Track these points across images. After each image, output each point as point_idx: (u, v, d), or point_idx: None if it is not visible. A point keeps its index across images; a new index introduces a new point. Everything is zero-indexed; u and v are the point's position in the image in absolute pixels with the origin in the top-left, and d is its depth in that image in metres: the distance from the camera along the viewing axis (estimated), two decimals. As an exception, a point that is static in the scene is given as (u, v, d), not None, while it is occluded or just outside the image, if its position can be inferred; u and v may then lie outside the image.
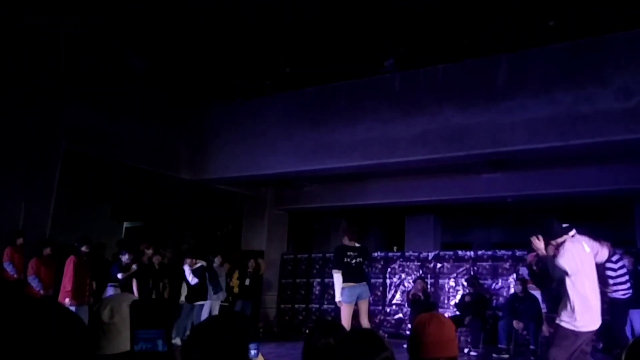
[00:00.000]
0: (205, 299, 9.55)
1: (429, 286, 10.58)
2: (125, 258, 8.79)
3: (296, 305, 12.32)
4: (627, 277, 7.75)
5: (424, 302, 9.89)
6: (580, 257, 4.47)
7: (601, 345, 9.28)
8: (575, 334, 4.35)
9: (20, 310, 1.41)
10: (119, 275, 8.64)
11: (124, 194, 11.34)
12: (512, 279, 9.80)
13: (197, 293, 9.48)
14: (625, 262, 7.96)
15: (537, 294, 9.05)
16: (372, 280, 11.75)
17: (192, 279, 9.23)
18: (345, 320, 6.74)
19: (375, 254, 11.50)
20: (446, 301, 10.76)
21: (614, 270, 7.62)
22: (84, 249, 9.06)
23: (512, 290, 9.32)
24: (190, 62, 9.47)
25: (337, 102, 9.39)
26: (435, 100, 8.50)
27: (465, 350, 8.78)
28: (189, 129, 10.44)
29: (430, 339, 2.10)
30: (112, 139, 9.06)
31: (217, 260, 10.44)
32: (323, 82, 9.56)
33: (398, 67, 9.03)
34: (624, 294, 7.64)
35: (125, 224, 13.04)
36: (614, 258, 7.44)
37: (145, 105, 9.65)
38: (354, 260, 7.17)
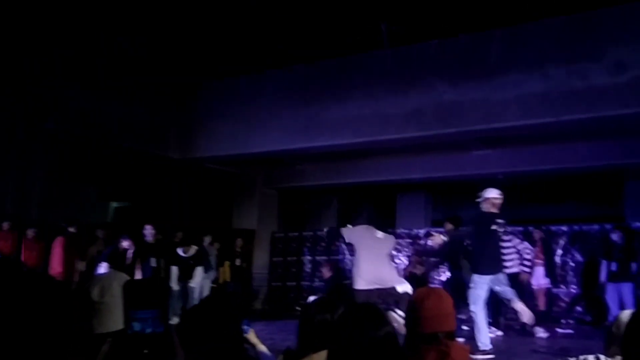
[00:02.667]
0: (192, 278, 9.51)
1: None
2: (125, 244, 8.62)
3: (287, 283, 12.34)
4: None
5: (421, 278, 9.97)
6: None
7: (589, 317, 9.44)
8: None
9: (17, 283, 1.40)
10: (103, 268, 8.45)
11: (112, 174, 11.16)
12: (517, 255, 9.83)
13: (189, 273, 9.45)
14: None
15: (541, 269, 9.14)
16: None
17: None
18: None
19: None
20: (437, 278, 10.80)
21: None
22: (71, 229, 8.96)
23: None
24: (180, 40, 9.25)
25: (328, 79, 9.25)
26: (427, 77, 8.40)
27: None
28: (178, 107, 10.26)
29: (429, 313, 2.07)
30: (99, 119, 8.88)
31: (207, 240, 10.40)
32: (314, 59, 9.39)
33: (391, 44, 8.85)
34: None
35: (114, 204, 12.88)
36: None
37: (134, 84, 9.44)
38: None
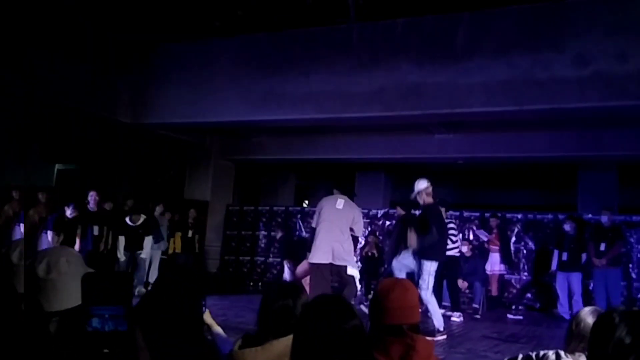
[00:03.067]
0: (142, 248, 9.20)
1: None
2: (69, 212, 8.21)
3: (240, 258, 12.16)
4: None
5: (377, 259, 9.96)
6: None
7: (538, 304, 9.68)
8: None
9: None
10: (49, 236, 8.05)
11: (56, 134, 10.58)
12: (458, 239, 9.92)
13: (138, 243, 9.13)
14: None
15: (496, 255, 9.24)
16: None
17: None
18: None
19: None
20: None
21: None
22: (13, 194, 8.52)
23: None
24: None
25: (290, 51, 8.92)
26: (393, 56, 8.21)
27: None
28: (130, 69, 9.71)
29: (394, 304, 2.05)
30: (43, 76, 8.29)
31: (158, 209, 10.10)
32: (277, 28, 9.03)
33: (358, 19, 8.59)
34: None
35: (58, 166, 12.26)
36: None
37: (82, 42, 8.85)
38: None
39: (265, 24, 9.04)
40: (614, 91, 7.03)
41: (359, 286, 6.88)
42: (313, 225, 6.07)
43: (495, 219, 9.53)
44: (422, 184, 6.38)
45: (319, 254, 5.82)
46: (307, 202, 14.39)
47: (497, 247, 9.30)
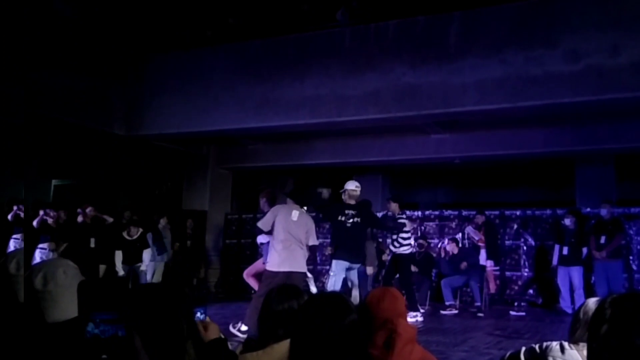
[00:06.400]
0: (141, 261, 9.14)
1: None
2: (82, 216, 8.32)
3: (241, 266, 12.10)
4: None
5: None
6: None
7: (540, 300, 9.68)
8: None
9: None
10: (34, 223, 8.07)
11: (52, 150, 10.55)
12: (446, 239, 9.94)
13: (136, 256, 9.06)
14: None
15: (484, 252, 9.24)
16: (320, 240, 11.69)
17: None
18: None
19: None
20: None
21: None
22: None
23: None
24: (128, 9, 8.70)
25: (284, 57, 8.92)
26: (386, 58, 8.23)
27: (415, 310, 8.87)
28: (123, 81, 9.68)
29: (384, 314, 2.11)
30: (38, 91, 8.26)
31: (162, 222, 10.07)
32: (268, 35, 9.04)
33: (350, 20, 8.62)
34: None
35: (54, 182, 12.23)
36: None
37: (75, 54, 8.82)
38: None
39: (257, 31, 9.04)
40: (607, 84, 7.06)
41: (314, 288, 7.12)
42: (262, 227, 6.07)
43: (481, 215, 9.55)
44: (349, 184, 7.01)
45: (276, 264, 5.88)
46: (305, 207, 14.34)
47: (483, 244, 9.32)
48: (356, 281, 7.16)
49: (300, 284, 6.04)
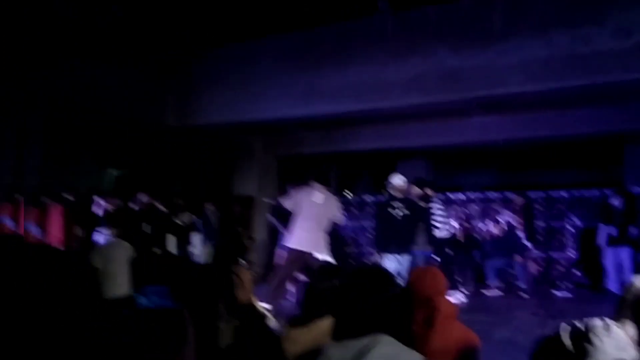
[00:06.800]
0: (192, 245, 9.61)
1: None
2: (144, 199, 8.87)
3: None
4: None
5: None
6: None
7: (587, 281, 9.61)
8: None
9: (23, 259, 1.39)
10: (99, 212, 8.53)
11: (109, 142, 11.11)
12: (490, 221, 9.98)
13: (187, 240, 9.54)
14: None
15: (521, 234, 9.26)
16: (362, 223, 11.93)
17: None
18: None
19: (368, 199, 11.57)
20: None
21: None
22: (70, 197, 9.00)
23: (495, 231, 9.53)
24: (177, 6, 9.04)
25: (328, 46, 9.08)
26: (428, 42, 8.27)
27: (457, 289, 9.00)
28: (175, 75, 10.11)
29: (426, 292, 2.16)
30: (95, 87, 8.75)
31: (209, 207, 10.48)
32: (312, 24, 9.22)
33: (391, 6, 8.69)
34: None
35: (112, 172, 12.83)
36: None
37: (129, 51, 9.27)
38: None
39: (301, 22, 9.22)
40: (658, 61, 6.93)
41: None
42: (286, 206, 6.38)
43: (520, 197, 9.53)
44: (394, 179, 7.08)
45: (295, 241, 6.19)
46: (349, 192, 14.58)
47: (521, 227, 9.31)
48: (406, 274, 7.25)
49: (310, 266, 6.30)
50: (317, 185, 6.44)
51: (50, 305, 1.37)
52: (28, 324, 1.32)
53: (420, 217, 7.26)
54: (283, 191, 13.41)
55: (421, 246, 7.28)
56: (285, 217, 6.99)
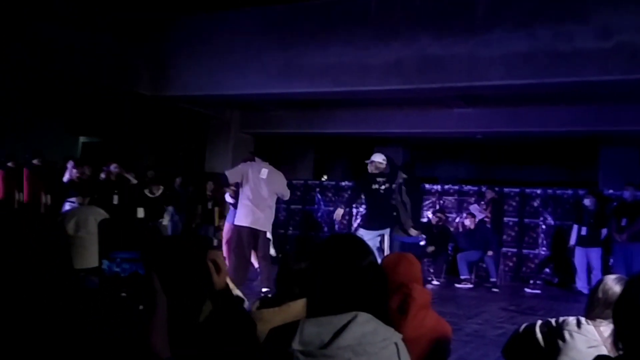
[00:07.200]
0: (162, 217, 9.44)
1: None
2: (112, 167, 8.72)
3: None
4: None
5: None
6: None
7: (557, 279, 9.69)
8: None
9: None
10: (65, 178, 8.35)
11: (80, 108, 10.80)
12: (464, 214, 9.99)
13: (158, 213, 9.37)
14: None
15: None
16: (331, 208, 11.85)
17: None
18: None
19: (343, 184, 11.47)
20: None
21: None
22: (35, 162, 8.74)
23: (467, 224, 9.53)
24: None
25: (309, 23, 8.88)
26: (411, 28, 8.13)
27: (429, 280, 8.98)
28: (151, 43, 9.79)
29: (400, 279, 2.12)
30: (67, 51, 8.43)
31: (177, 181, 10.32)
32: (294, -1, 9.00)
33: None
34: None
35: (82, 139, 12.53)
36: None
37: (101, 16, 8.95)
38: None
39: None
40: (638, 63, 6.88)
41: (273, 251, 7.44)
42: (228, 176, 6.41)
43: (491, 191, 9.53)
44: (376, 157, 7.16)
45: (242, 218, 6.27)
46: (325, 176, 14.49)
47: (488, 220, 9.34)
48: (387, 249, 7.23)
49: (263, 243, 6.42)
50: (261, 160, 6.52)
51: (20, 271, 1.30)
52: None
53: (409, 189, 7.29)
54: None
55: (405, 232, 7.28)
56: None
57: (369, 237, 6.63)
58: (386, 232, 7.09)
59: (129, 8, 9.30)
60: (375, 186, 6.97)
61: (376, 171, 7.08)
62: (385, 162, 7.17)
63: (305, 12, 8.94)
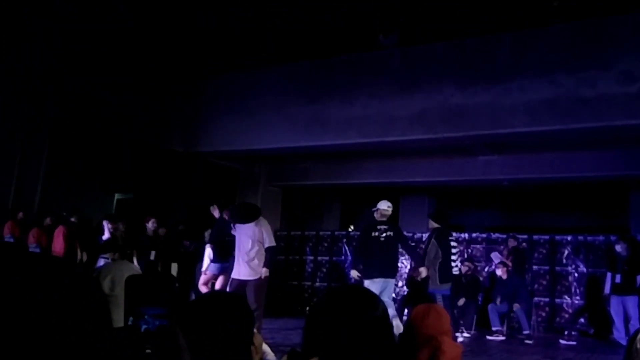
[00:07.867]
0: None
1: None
2: (150, 224, 8.98)
3: (288, 282, 12.29)
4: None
5: (420, 283, 9.91)
6: None
7: (592, 330, 9.35)
8: None
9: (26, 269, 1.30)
10: (104, 237, 8.51)
11: (115, 165, 11.18)
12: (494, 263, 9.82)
13: (190, 267, 9.44)
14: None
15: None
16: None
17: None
18: None
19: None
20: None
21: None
22: (73, 219, 8.98)
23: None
24: (185, 32, 9.23)
25: (334, 77, 9.20)
26: (434, 79, 8.34)
27: (459, 333, 8.78)
28: (183, 101, 10.24)
29: (428, 331, 2.08)
30: (102, 109, 8.85)
31: (206, 235, 10.38)
32: (320, 56, 9.35)
33: (397, 43, 8.83)
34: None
35: (117, 196, 12.88)
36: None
37: (138, 75, 9.42)
38: None
39: (308, 52, 9.36)
40: (663, 107, 6.92)
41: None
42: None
43: (513, 240, 9.39)
44: (382, 204, 7.07)
45: (235, 271, 6.49)
46: (352, 226, 14.51)
47: (506, 268, 9.10)
48: (391, 300, 7.08)
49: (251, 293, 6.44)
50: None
51: (55, 327, 1.32)
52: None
53: (402, 239, 7.18)
54: (285, 221, 13.43)
55: (438, 285, 7.10)
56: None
57: (375, 287, 6.44)
58: (391, 282, 6.90)
59: (164, 68, 9.78)
60: (375, 234, 6.89)
61: (383, 219, 7.00)
62: (390, 210, 7.12)
63: (330, 67, 9.27)
